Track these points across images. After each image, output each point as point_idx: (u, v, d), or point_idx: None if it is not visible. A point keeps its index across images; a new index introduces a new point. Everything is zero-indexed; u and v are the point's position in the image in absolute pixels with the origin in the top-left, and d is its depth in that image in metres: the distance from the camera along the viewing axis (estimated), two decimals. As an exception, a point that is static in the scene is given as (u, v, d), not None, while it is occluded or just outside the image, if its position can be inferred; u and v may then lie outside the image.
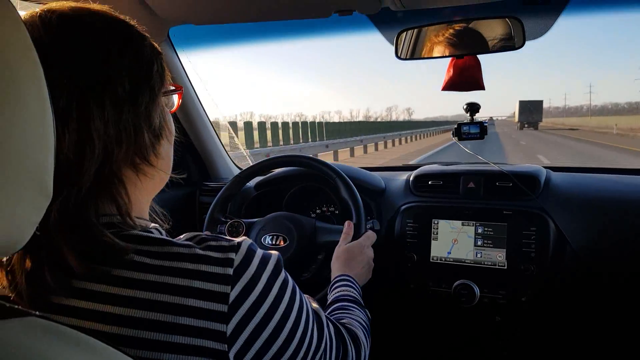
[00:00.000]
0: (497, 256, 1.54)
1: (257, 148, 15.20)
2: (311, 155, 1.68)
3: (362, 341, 0.96)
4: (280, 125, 18.12)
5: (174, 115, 1.96)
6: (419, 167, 1.90)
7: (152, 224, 0.74)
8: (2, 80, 0.42)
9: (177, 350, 0.59)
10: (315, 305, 0.85)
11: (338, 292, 1.15)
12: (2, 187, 0.42)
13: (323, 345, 0.78)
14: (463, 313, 1.65)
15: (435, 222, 1.64)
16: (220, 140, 2.25)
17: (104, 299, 0.60)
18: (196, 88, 2.06)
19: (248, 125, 16.35)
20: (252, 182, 1.85)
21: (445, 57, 1.52)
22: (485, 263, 1.56)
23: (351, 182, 1.49)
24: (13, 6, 0.45)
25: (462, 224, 1.61)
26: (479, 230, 1.58)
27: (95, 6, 0.69)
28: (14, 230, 0.44)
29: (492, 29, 1.46)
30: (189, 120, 2.06)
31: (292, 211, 1.63)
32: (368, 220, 1.52)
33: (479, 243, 1.57)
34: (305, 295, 0.82)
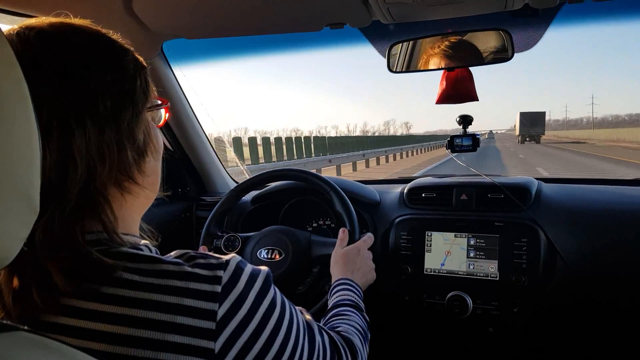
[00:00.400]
0: (490, 267, 1.54)
1: (262, 163, 15.41)
2: (307, 169, 1.68)
3: (358, 347, 0.95)
4: (284, 140, 18.35)
5: (170, 130, 1.98)
6: (413, 179, 1.91)
7: (143, 241, 0.74)
8: None
9: None
10: (308, 317, 0.84)
11: (337, 296, 1.15)
12: None
13: (315, 356, 0.78)
14: (456, 324, 1.64)
15: (429, 234, 1.64)
16: (216, 154, 2.26)
17: (93, 317, 0.60)
18: (191, 102, 2.07)
19: (252, 140, 16.56)
20: (248, 196, 1.86)
21: (438, 69, 1.53)
22: (478, 274, 1.56)
23: (345, 196, 1.50)
24: None
25: (455, 236, 1.61)
26: (472, 242, 1.58)
27: (77, 21, 0.68)
28: (1, 246, 0.44)
29: (485, 41, 1.47)
30: (185, 135, 2.06)
31: (288, 225, 1.63)
32: (362, 233, 1.53)
33: (472, 255, 1.57)
34: (298, 307, 0.82)
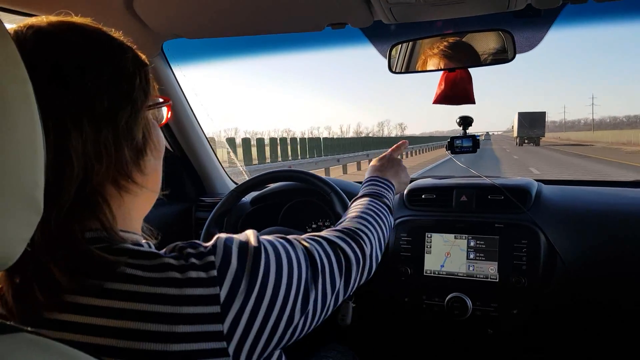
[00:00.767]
0: (489, 269, 1.54)
1: (269, 162, 15.86)
2: (305, 170, 1.68)
3: (363, 232, 0.98)
4: (278, 141, 18.65)
5: (170, 130, 1.97)
6: (412, 180, 1.90)
7: (144, 240, 0.74)
8: None
9: (175, 358, 0.59)
10: (303, 237, 0.85)
11: (362, 190, 1.22)
12: None
13: (320, 278, 0.78)
14: (456, 326, 1.64)
15: (429, 235, 1.64)
16: (216, 155, 2.25)
17: (97, 312, 0.60)
18: (191, 102, 2.07)
19: (246, 141, 16.83)
20: (248, 197, 1.85)
21: (439, 70, 1.52)
22: (478, 276, 1.55)
23: (346, 197, 1.49)
24: (0, 21, 0.44)
25: (455, 237, 1.60)
26: (472, 244, 1.58)
27: (77, 20, 0.67)
28: (5, 246, 0.44)
29: (486, 42, 1.47)
30: (185, 136, 2.06)
31: (287, 226, 1.63)
32: None
33: (472, 256, 1.57)
34: (292, 234, 0.84)
